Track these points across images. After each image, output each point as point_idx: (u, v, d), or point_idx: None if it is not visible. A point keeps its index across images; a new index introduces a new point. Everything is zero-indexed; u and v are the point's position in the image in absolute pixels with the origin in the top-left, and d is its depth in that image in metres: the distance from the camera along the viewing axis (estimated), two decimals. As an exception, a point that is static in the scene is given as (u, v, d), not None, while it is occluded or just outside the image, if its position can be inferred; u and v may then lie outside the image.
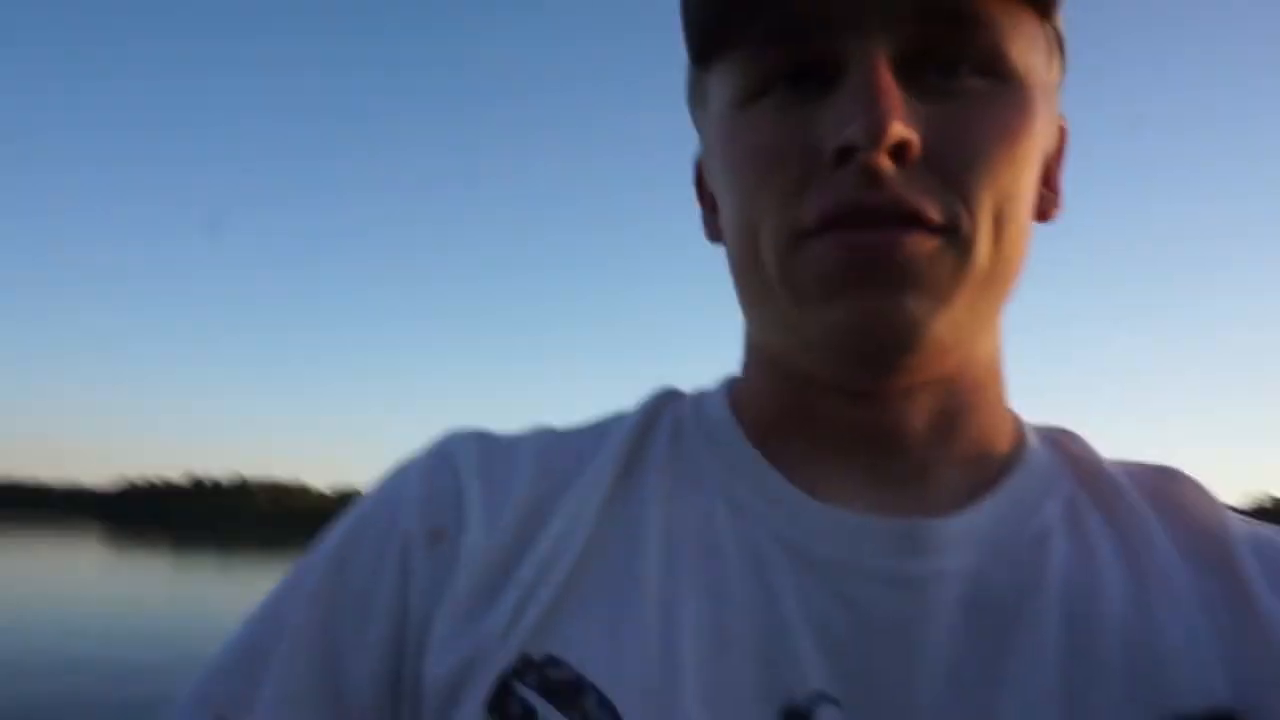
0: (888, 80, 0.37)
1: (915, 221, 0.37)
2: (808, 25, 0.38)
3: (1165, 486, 0.44)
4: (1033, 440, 0.46)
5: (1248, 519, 0.44)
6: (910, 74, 0.38)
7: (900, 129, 0.36)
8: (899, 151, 0.36)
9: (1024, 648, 0.38)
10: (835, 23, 0.37)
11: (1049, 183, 0.45)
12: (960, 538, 0.41)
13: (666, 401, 0.49)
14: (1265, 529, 0.44)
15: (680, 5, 0.42)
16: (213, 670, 0.43)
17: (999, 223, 0.39)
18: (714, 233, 0.48)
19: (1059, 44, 0.43)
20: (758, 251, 0.41)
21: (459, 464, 0.45)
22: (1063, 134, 0.46)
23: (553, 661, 0.38)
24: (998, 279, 0.40)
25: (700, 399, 0.49)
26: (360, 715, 0.40)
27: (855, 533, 0.41)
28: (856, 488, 0.43)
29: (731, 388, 0.49)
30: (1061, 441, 0.47)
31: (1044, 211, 0.45)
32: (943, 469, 0.43)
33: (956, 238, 0.38)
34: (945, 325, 0.38)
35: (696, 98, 0.47)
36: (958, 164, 0.38)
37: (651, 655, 0.38)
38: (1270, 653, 0.38)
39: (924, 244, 0.37)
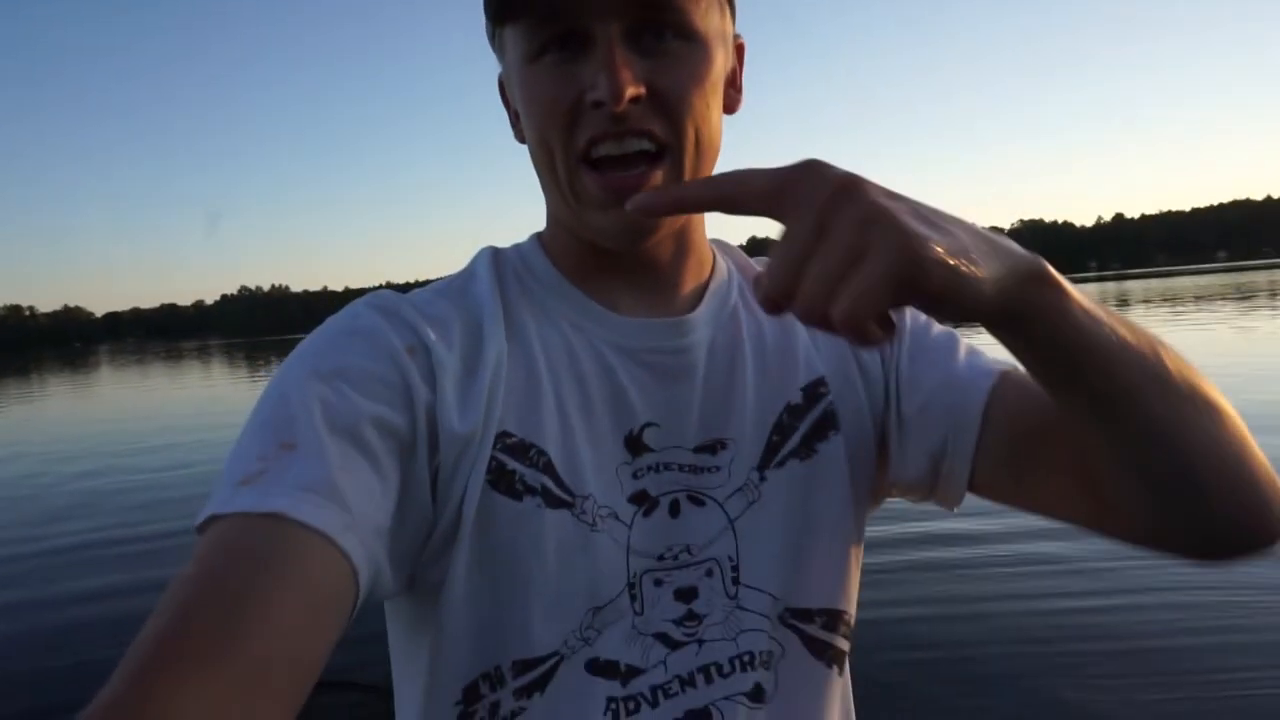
0: (621, 55, 0.58)
1: (648, 137, 0.59)
2: (568, 10, 0.58)
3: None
4: (718, 256, 0.75)
5: None
6: (635, 38, 0.59)
7: (630, 88, 0.57)
8: (634, 98, 0.58)
9: (738, 371, 0.69)
10: (584, 8, 0.58)
11: (734, 86, 0.68)
12: (699, 323, 0.69)
13: (497, 258, 0.71)
14: None
15: None
16: (250, 434, 0.54)
17: (698, 135, 0.61)
18: (519, 135, 0.68)
19: (729, 2, 0.65)
20: (553, 166, 0.62)
21: (403, 311, 0.63)
22: (740, 51, 0.69)
23: (507, 434, 0.62)
24: (700, 170, 0.63)
25: (523, 256, 0.72)
26: (388, 446, 0.56)
27: (647, 329, 0.68)
28: (637, 300, 0.69)
29: (542, 241, 0.72)
30: (729, 251, 0.77)
31: (729, 106, 0.68)
32: (681, 282, 0.70)
33: (673, 155, 0.61)
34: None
35: (495, 41, 0.67)
36: (668, 101, 0.60)
37: (554, 421, 0.64)
38: (847, 350, 0.72)
39: (641, 176, 0.60)
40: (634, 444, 0.66)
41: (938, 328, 0.74)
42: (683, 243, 0.69)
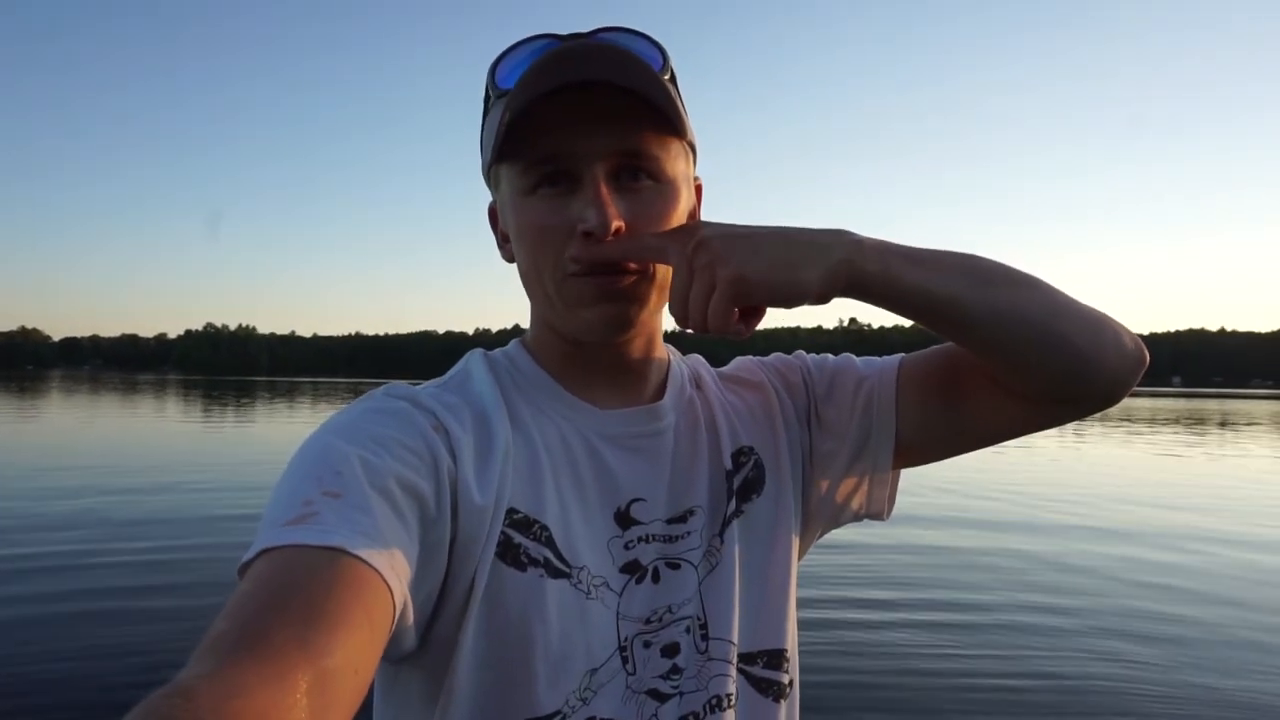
0: (605, 192, 0.68)
1: (626, 268, 0.70)
2: (562, 154, 0.68)
3: (712, 372, 0.88)
4: (670, 355, 0.85)
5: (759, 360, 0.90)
6: (616, 178, 0.69)
7: (615, 220, 0.68)
8: (617, 231, 0.68)
9: (698, 447, 0.80)
10: (575, 155, 0.68)
11: (693, 217, 0.77)
12: (667, 409, 0.79)
13: (488, 360, 0.80)
14: (764, 361, 0.89)
15: (483, 129, 0.74)
16: (293, 483, 0.57)
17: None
18: (507, 255, 0.78)
19: (692, 148, 0.76)
20: (541, 281, 0.72)
21: (422, 398, 0.71)
22: (699, 191, 0.80)
23: (514, 511, 0.69)
24: (663, 283, 0.73)
25: (511, 359, 0.80)
26: (416, 510, 0.61)
27: (627, 418, 0.78)
28: (613, 394, 0.78)
29: (527, 346, 0.81)
30: (672, 350, 0.87)
31: None
32: (648, 374, 0.80)
33: (647, 273, 0.72)
34: (644, 314, 0.73)
35: (491, 176, 0.76)
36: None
37: (554, 500, 0.71)
38: (763, 416, 0.84)
39: (629, 280, 0.71)
40: (623, 518, 0.74)
41: (831, 359, 0.88)
42: (650, 341, 0.79)
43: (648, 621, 0.72)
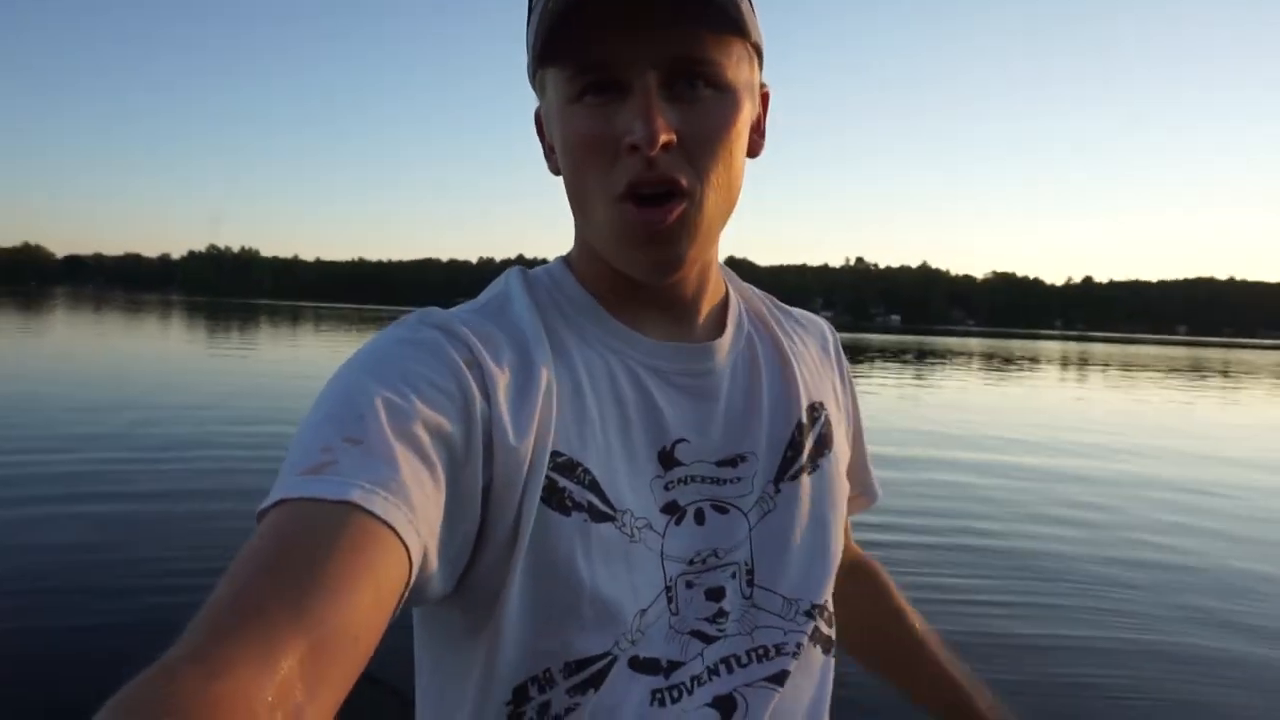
0: (655, 103, 0.62)
1: (675, 188, 0.64)
2: (606, 61, 0.62)
3: (762, 303, 0.87)
4: (728, 285, 0.82)
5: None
6: (670, 86, 0.63)
7: (663, 135, 0.61)
8: (665, 145, 0.62)
9: (755, 393, 0.77)
10: (623, 62, 0.62)
11: (759, 132, 0.73)
12: (723, 349, 0.77)
13: (527, 280, 0.75)
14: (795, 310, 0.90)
15: (528, 29, 0.67)
16: (313, 428, 0.55)
17: (721, 181, 0.66)
18: (554, 167, 0.72)
19: (758, 51, 0.70)
20: (586, 202, 0.68)
21: (457, 328, 0.66)
22: (765, 99, 0.74)
23: (558, 454, 0.66)
24: (720, 216, 0.69)
25: (555, 280, 0.76)
26: (444, 454, 0.58)
27: (678, 352, 0.74)
28: (663, 327, 0.75)
29: (571, 266, 0.76)
30: (732, 278, 0.84)
31: (753, 151, 0.73)
32: (701, 310, 0.77)
33: (696, 200, 0.65)
34: (695, 251, 0.68)
35: (536, 81, 0.71)
36: (696, 151, 0.64)
37: (598, 440, 0.69)
38: (829, 372, 0.86)
39: (678, 212, 0.65)
40: (666, 458, 0.72)
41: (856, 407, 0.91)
42: (703, 276, 0.75)
43: (691, 563, 0.71)
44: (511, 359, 0.66)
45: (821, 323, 0.90)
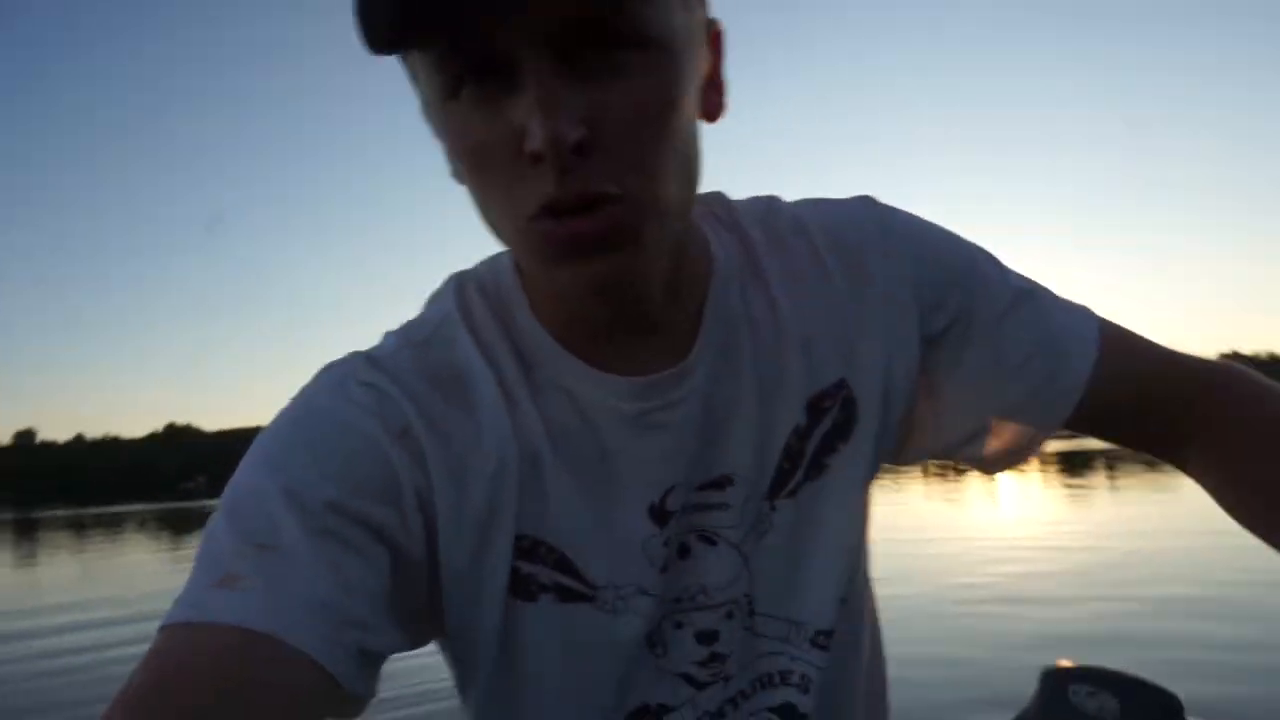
0: (555, 89, 0.45)
1: (601, 198, 0.47)
2: (476, 30, 0.44)
3: (772, 219, 0.66)
4: (715, 248, 0.63)
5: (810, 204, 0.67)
6: (572, 59, 0.45)
7: (571, 134, 0.45)
8: (578, 147, 0.45)
9: (740, 403, 0.62)
10: (498, 27, 0.44)
11: (714, 87, 0.56)
12: (698, 364, 0.60)
13: (468, 308, 0.61)
14: (813, 208, 0.67)
15: (354, 7, 0.45)
16: (222, 531, 0.51)
17: (665, 170, 0.49)
18: (456, 172, 0.55)
19: None
20: (496, 222, 0.53)
21: (382, 384, 0.57)
22: (717, 39, 0.56)
23: (519, 537, 0.58)
24: (677, 208, 0.52)
25: (504, 301, 0.61)
26: (371, 540, 0.52)
27: (649, 389, 0.59)
28: (630, 349, 0.59)
29: (521, 278, 0.61)
30: (720, 219, 0.65)
31: (710, 114, 0.56)
32: (673, 318, 0.60)
33: (635, 202, 0.48)
34: (646, 260, 0.52)
35: (408, 65, 0.53)
36: (627, 145, 0.47)
37: (566, 513, 0.59)
38: (869, 314, 0.63)
39: (607, 217, 0.48)
40: (661, 515, 0.61)
41: (1014, 280, 0.66)
42: (673, 276, 0.58)
43: (677, 600, 0.62)
44: (455, 421, 0.57)
45: (877, 231, 0.65)
